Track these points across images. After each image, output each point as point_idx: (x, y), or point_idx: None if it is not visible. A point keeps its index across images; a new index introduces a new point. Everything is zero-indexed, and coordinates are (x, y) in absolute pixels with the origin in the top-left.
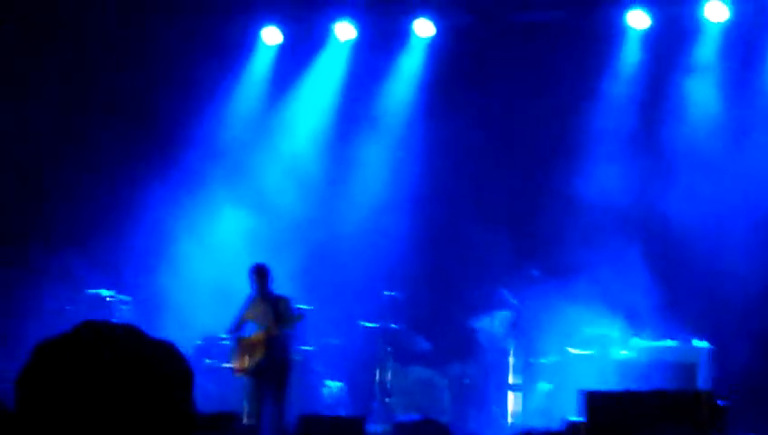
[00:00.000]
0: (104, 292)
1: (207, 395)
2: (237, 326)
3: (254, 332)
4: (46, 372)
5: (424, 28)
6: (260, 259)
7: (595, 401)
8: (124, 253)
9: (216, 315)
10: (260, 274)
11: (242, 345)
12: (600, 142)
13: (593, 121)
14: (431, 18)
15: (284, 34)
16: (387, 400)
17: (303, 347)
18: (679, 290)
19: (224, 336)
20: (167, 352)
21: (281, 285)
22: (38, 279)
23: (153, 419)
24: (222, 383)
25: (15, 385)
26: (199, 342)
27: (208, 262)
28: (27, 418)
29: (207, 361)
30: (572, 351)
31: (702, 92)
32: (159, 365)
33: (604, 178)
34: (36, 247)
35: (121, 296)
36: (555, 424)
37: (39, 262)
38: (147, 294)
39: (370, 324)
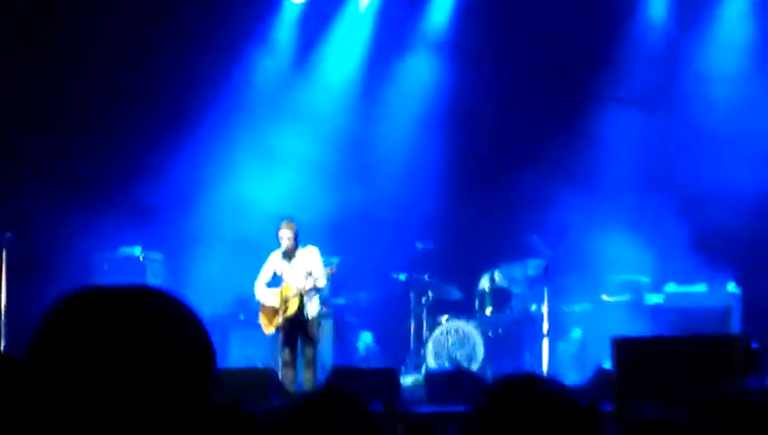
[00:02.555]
0: (136, 250)
1: (242, 351)
2: (264, 281)
3: (281, 286)
4: (50, 341)
5: None
6: (289, 212)
7: (626, 348)
8: (154, 211)
9: (251, 269)
10: (287, 227)
11: (269, 302)
12: (625, 90)
13: (615, 71)
14: None
15: None
16: (420, 351)
17: (335, 300)
18: (712, 234)
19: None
20: (183, 329)
21: (311, 237)
22: (72, 238)
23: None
24: (257, 339)
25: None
26: (232, 297)
27: (237, 216)
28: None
29: (242, 317)
30: (605, 298)
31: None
32: (169, 347)
33: (632, 125)
34: (69, 207)
35: (152, 254)
36: (588, 372)
37: (72, 222)
38: (179, 251)
39: (402, 276)
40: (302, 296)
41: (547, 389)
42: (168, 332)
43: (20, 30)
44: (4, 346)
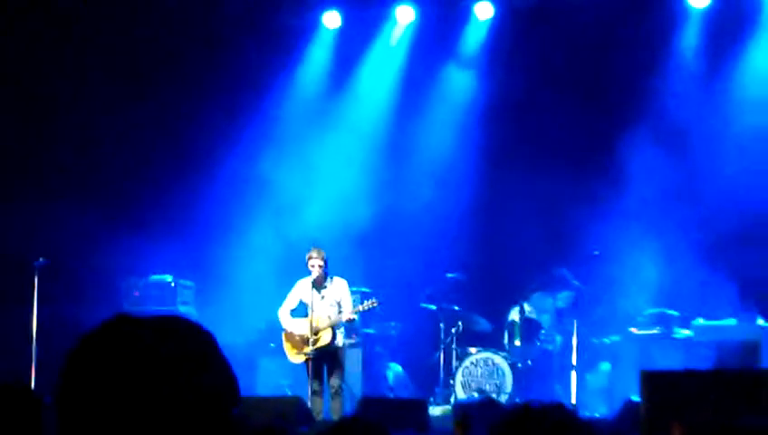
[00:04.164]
0: (168, 277)
1: (272, 379)
2: (289, 308)
3: (311, 316)
4: (76, 376)
5: (484, 10)
6: (318, 244)
7: (654, 381)
8: (185, 239)
9: (282, 297)
10: (318, 256)
11: (298, 331)
12: (656, 125)
13: (650, 103)
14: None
15: (345, 18)
16: (449, 382)
17: (365, 329)
18: (741, 268)
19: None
20: (204, 361)
21: (340, 268)
22: (104, 264)
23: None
24: (286, 367)
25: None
26: (263, 325)
27: (268, 244)
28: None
29: (272, 345)
30: (634, 331)
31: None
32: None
33: (657, 159)
34: (101, 234)
35: (183, 281)
36: (616, 404)
37: (104, 248)
38: (210, 277)
39: (431, 306)
40: (333, 328)
41: (563, 417)
42: (190, 365)
43: (58, 36)
44: (35, 372)
